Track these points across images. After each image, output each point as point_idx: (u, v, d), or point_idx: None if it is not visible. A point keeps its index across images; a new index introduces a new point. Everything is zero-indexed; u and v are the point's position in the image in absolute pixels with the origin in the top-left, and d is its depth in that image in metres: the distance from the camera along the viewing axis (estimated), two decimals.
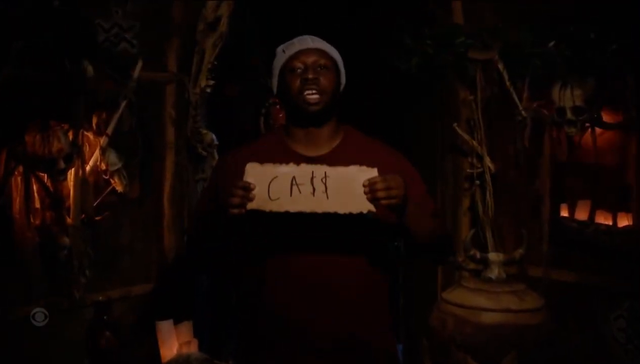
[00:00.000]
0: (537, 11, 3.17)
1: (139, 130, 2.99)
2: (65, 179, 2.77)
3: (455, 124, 3.34)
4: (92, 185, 2.87)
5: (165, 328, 2.96)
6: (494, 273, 3.14)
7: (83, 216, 2.84)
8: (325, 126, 2.03)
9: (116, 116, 2.88)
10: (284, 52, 2.04)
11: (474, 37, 3.25)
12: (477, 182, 3.34)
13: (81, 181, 2.80)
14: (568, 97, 3.05)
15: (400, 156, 2.12)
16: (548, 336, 2.97)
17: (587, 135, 3.11)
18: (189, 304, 3.24)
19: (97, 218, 2.91)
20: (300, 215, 1.84)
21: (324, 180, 1.84)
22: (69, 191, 2.81)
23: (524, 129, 3.20)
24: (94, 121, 2.88)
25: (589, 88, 3.05)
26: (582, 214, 3.18)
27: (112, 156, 2.90)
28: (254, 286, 2.03)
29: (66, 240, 2.78)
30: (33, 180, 2.71)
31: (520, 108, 3.19)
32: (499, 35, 3.22)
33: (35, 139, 2.65)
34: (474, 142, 3.32)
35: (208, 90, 3.22)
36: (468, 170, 3.38)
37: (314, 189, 1.84)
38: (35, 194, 2.73)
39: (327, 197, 1.83)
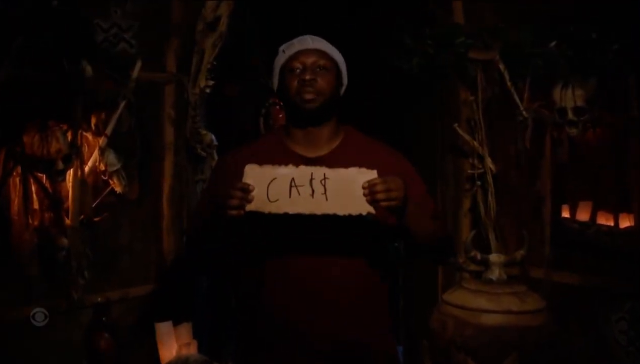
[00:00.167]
0: (537, 11, 3.17)
1: (138, 130, 2.97)
2: (64, 179, 2.76)
3: (455, 125, 3.33)
4: (90, 186, 2.86)
5: (164, 329, 2.95)
6: (495, 274, 3.13)
7: (82, 217, 2.82)
8: (325, 126, 2.03)
9: (115, 117, 2.87)
10: (284, 52, 2.04)
11: (475, 37, 3.25)
12: (479, 183, 3.33)
13: (80, 182, 2.79)
14: (569, 98, 3.04)
15: (400, 156, 2.11)
16: (549, 338, 2.96)
17: (589, 135, 3.11)
18: (188, 305, 3.23)
19: (95, 219, 2.90)
20: (299, 217, 1.83)
21: (323, 182, 1.84)
22: (68, 191, 2.79)
23: (525, 129, 3.20)
24: (93, 121, 2.87)
25: (590, 88, 3.04)
26: (583, 215, 3.17)
27: (111, 157, 2.89)
28: (253, 287, 2.03)
29: (65, 241, 2.76)
30: (31, 181, 2.70)
31: (521, 108, 3.18)
32: (499, 35, 3.22)
33: (34, 139, 2.64)
34: (475, 143, 3.31)
35: (207, 90, 3.21)
36: (469, 171, 3.37)
37: (313, 191, 1.83)
38: (34, 195, 2.71)
39: (326, 199, 1.83)
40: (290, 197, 1.83)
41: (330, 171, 1.85)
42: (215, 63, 3.19)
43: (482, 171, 3.31)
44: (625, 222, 3.05)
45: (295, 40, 2.06)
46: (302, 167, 1.86)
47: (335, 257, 1.97)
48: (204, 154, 3.24)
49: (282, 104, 2.95)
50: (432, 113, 3.62)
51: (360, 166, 1.85)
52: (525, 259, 3.21)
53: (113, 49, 2.93)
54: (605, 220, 3.11)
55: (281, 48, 2.06)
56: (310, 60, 2.00)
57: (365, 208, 1.81)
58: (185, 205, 3.22)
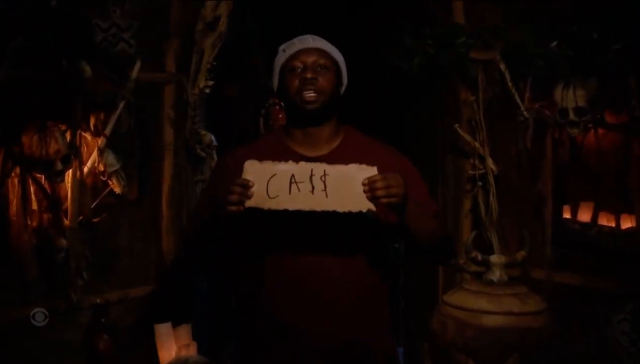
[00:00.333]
0: (538, 11, 3.17)
1: (137, 131, 2.97)
2: (63, 180, 2.75)
3: (456, 125, 3.33)
4: (89, 186, 2.86)
5: (163, 330, 2.94)
6: (496, 275, 3.13)
7: (81, 217, 2.82)
8: (325, 126, 2.03)
9: (114, 117, 2.86)
10: (284, 51, 2.04)
11: (475, 37, 3.24)
12: (479, 183, 3.32)
13: (79, 183, 2.78)
14: (570, 98, 3.04)
15: (400, 156, 2.11)
16: (550, 339, 2.95)
17: (590, 136, 3.10)
18: (187, 306, 3.22)
19: (94, 220, 2.89)
20: (298, 213, 1.82)
21: (323, 178, 1.83)
22: (67, 192, 2.78)
23: (526, 130, 3.19)
24: (92, 121, 2.86)
25: (591, 89, 3.03)
26: (584, 216, 3.16)
27: (110, 157, 2.88)
28: (253, 287, 2.03)
29: (63, 242, 2.75)
30: (30, 181, 2.69)
31: (522, 109, 3.17)
32: (500, 35, 3.22)
33: (33, 140, 2.63)
34: (476, 144, 3.30)
35: (207, 90, 3.20)
36: (470, 171, 3.36)
37: (313, 187, 1.83)
38: (33, 196, 2.70)
39: (326, 196, 1.82)
40: (290, 193, 1.83)
41: (330, 167, 1.85)
42: (214, 63, 3.18)
43: (483, 171, 3.30)
44: (627, 223, 3.04)
45: (295, 40, 2.06)
46: (302, 164, 1.86)
47: (336, 256, 1.96)
48: (203, 154, 3.23)
49: (282, 104, 2.95)
50: (432, 113, 3.61)
51: (361, 164, 1.85)
52: (526, 260, 3.21)
53: (112, 49, 2.92)
54: (606, 221, 3.10)
55: (281, 47, 2.06)
56: (310, 59, 2.00)
57: (365, 205, 1.81)
58: (185, 206, 3.21)
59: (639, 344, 3.00)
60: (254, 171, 1.84)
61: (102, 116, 2.86)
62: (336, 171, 1.84)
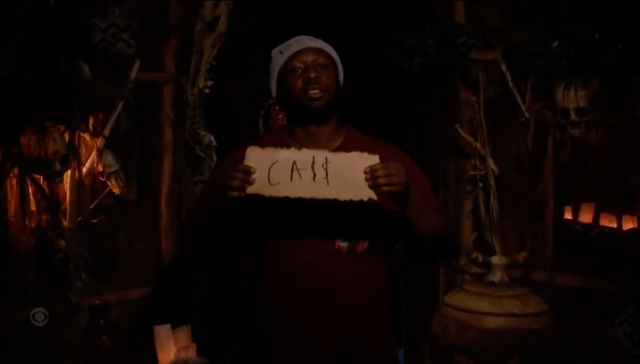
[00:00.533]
0: (539, 11, 3.16)
1: (136, 131, 2.96)
2: (62, 181, 2.74)
3: (457, 126, 3.31)
4: (88, 187, 2.85)
5: (162, 332, 2.94)
6: (497, 276, 3.12)
7: (79, 218, 2.81)
8: (327, 125, 2.03)
9: (113, 117, 2.85)
10: (281, 54, 2.04)
11: (476, 37, 3.23)
12: (480, 184, 3.31)
13: (77, 183, 2.78)
14: (572, 98, 3.03)
15: (402, 154, 2.11)
16: (552, 341, 2.95)
17: (591, 136, 3.09)
18: (186, 308, 3.22)
19: (93, 221, 2.88)
20: (300, 201, 1.81)
21: (324, 166, 1.83)
22: (65, 193, 2.78)
23: (527, 130, 3.19)
24: (91, 122, 2.85)
25: (592, 89, 3.03)
26: (586, 217, 3.16)
27: (109, 158, 2.87)
28: (252, 282, 2.02)
29: (62, 243, 2.75)
30: (28, 182, 2.68)
31: (524, 109, 3.17)
32: (501, 36, 3.21)
33: (31, 140, 2.62)
34: (477, 144, 3.29)
35: (206, 91, 3.19)
36: (471, 172, 3.34)
37: (314, 175, 1.82)
38: (31, 197, 2.70)
39: (328, 184, 1.82)
40: (291, 180, 1.82)
41: (333, 154, 1.84)
42: (214, 63, 3.18)
43: (484, 172, 3.29)
44: (629, 224, 3.03)
45: (292, 41, 2.05)
46: (304, 151, 1.85)
47: (336, 257, 1.95)
48: (202, 155, 3.22)
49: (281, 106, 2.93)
50: (433, 114, 3.60)
51: None
52: (528, 262, 3.20)
53: (111, 49, 2.92)
54: (608, 222, 3.10)
55: (276, 50, 2.05)
56: (310, 58, 1.99)
57: (366, 194, 1.80)
58: (184, 206, 3.20)
59: None
60: (256, 157, 1.84)
61: (101, 116, 2.86)
62: (338, 158, 1.84)
